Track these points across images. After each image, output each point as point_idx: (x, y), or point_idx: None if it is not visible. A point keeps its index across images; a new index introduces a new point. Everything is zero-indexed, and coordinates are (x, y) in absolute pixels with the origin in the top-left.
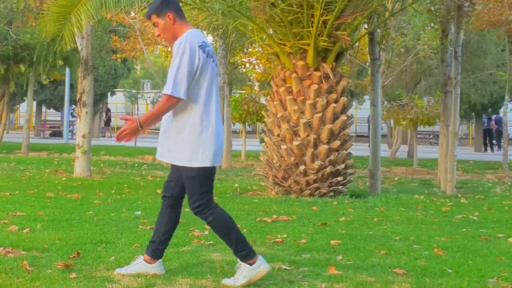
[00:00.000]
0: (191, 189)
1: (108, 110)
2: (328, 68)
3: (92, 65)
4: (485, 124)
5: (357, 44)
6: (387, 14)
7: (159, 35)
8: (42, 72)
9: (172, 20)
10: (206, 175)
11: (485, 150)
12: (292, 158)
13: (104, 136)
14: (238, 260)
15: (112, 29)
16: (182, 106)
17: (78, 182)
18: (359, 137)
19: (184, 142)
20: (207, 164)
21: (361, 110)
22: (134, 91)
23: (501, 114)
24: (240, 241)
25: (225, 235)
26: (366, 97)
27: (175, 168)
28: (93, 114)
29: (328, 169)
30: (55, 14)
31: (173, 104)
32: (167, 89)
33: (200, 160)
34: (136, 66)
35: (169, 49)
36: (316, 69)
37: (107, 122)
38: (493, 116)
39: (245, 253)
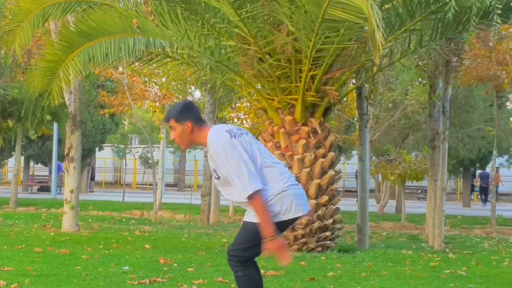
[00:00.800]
0: (239, 238)
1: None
2: (316, 123)
3: (80, 120)
4: None
5: (345, 99)
6: (375, 69)
7: (174, 139)
8: (30, 127)
9: (190, 129)
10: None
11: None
12: None
13: (92, 191)
14: None
15: (100, 84)
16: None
17: (66, 237)
18: (347, 192)
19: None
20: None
21: (349, 165)
22: (122, 146)
23: (488, 170)
24: None
25: None
26: (354, 152)
27: None
28: (81, 169)
29: (316, 224)
30: (43, 69)
31: (259, 198)
32: (245, 192)
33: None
34: (124, 121)
35: (157, 104)
36: (304, 124)
37: (91, 177)
38: (478, 172)
39: None
